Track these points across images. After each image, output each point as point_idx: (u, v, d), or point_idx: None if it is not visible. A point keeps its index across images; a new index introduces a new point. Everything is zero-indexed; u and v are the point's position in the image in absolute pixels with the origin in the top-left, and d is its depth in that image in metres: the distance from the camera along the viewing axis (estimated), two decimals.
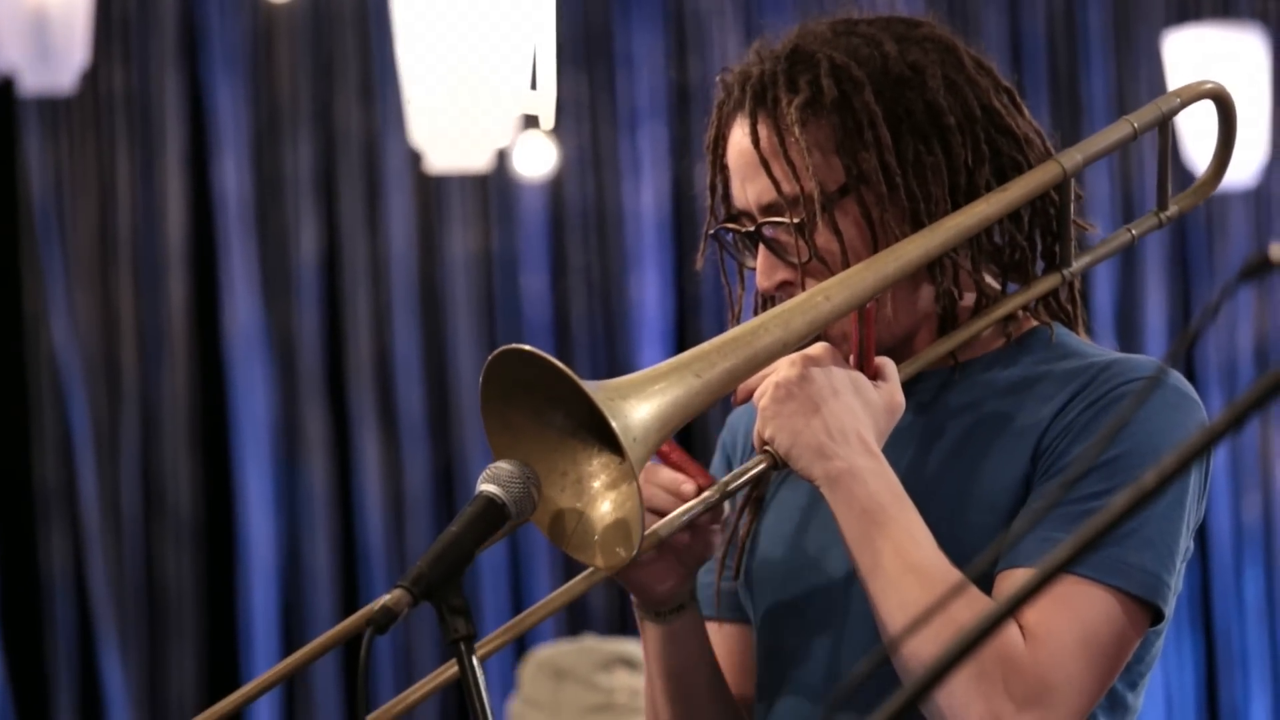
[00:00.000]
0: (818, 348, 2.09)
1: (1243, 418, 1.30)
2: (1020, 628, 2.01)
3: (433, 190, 6.73)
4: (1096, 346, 2.18)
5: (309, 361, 6.61)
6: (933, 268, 2.14)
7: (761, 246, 2.15)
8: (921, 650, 1.99)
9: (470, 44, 4.58)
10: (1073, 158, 2.18)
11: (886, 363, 2.11)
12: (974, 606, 1.98)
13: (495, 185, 6.76)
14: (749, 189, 2.15)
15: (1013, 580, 2.04)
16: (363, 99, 6.66)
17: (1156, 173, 2.28)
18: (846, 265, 2.11)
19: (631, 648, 4.40)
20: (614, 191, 6.87)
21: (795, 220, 2.12)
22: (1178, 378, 2.12)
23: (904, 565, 2.01)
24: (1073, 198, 2.19)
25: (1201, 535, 6.54)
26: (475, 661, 1.93)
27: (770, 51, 2.17)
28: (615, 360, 6.80)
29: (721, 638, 2.27)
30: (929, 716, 2.02)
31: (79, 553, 6.40)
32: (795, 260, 2.13)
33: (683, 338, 6.81)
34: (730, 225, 2.18)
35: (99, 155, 6.51)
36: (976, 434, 2.13)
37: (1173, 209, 2.30)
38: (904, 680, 2.01)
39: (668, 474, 2.11)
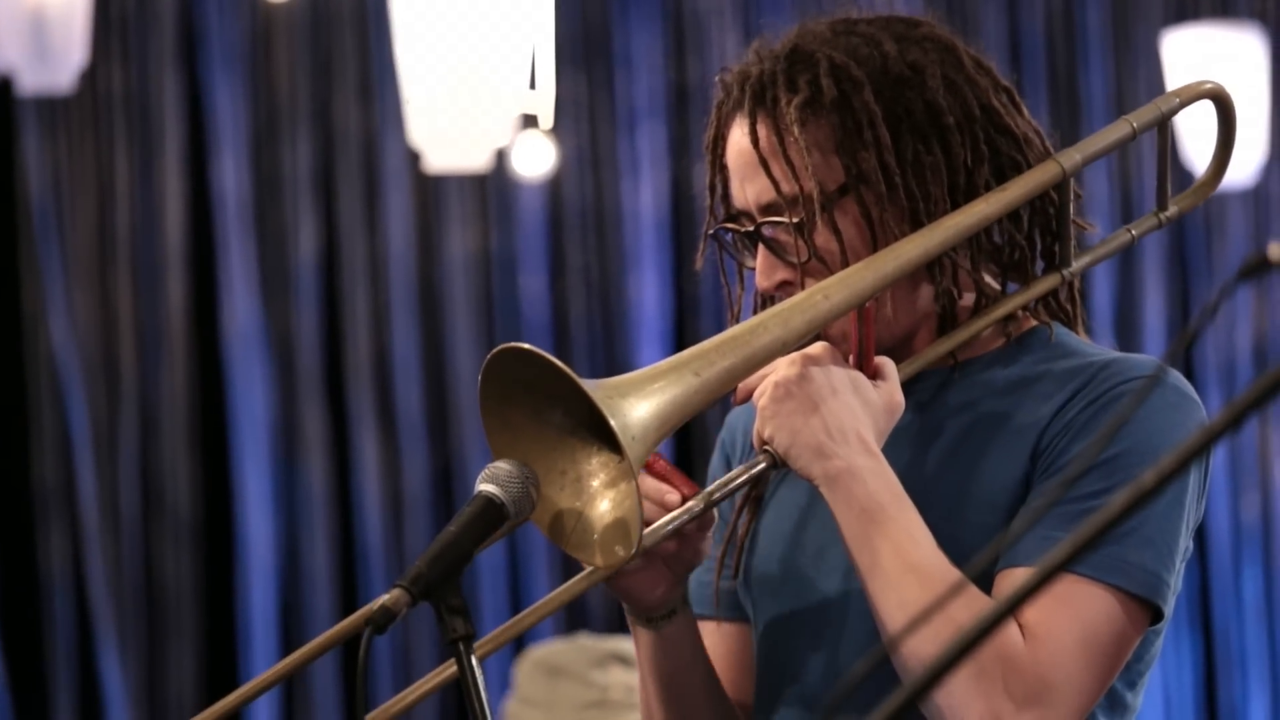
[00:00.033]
0: (817, 347, 2.09)
1: (1242, 417, 1.30)
2: (1020, 627, 2.01)
3: (431, 190, 6.72)
4: (1096, 346, 2.18)
5: (308, 361, 6.61)
6: (932, 267, 2.14)
7: (761, 246, 2.15)
8: (921, 649, 1.99)
9: (469, 44, 4.58)
10: (1072, 157, 2.17)
11: (886, 362, 2.11)
12: (973, 606, 1.98)
13: (494, 185, 6.76)
14: (748, 189, 2.15)
15: (1012, 579, 2.04)
16: (361, 99, 6.65)
17: (1156, 173, 2.28)
18: (846, 265, 2.11)
19: (626, 645, 4.39)
20: (613, 191, 6.86)
21: (794, 220, 2.12)
22: (1177, 377, 2.12)
23: (903, 565, 2.01)
24: (1072, 197, 2.19)
25: (1200, 535, 6.53)
26: (474, 661, 1.93)
27: (769, 51, 2.17)
28: (614, 360, 6.79)
29: (720, 637, 2.27)
30: (929, 716, 2.01)
31: (78, 552, 6.40)
32: (794, 260, 2.13)
33: (682, 338, 6.81)
34: (729, 225, 2.18)
35: (98, 155, 6.51)
36: (976, 433, 2.13)
37: (1172, 209, 2.30)
38: (903, 680, 2.01)
39: (652, 484, 2.10)
